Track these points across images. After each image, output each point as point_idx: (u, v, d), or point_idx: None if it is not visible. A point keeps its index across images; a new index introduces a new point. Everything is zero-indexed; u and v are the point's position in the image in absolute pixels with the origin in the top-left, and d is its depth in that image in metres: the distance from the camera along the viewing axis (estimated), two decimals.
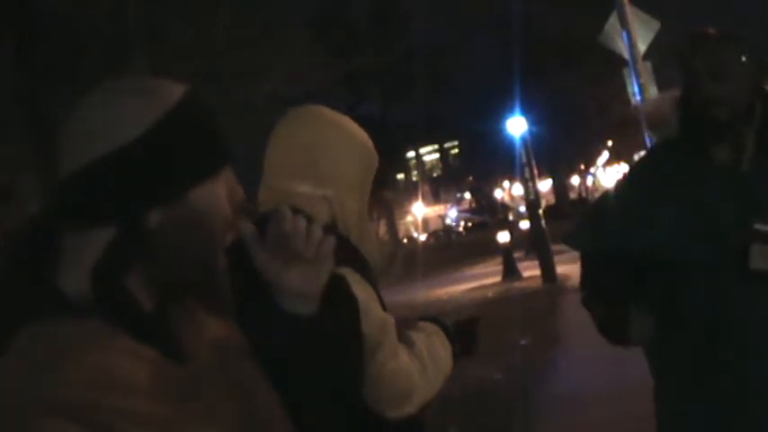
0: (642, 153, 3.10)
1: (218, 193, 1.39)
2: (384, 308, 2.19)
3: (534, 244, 24.19)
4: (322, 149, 2.25)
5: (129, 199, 1.31)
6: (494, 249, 27.39)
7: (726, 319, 2.73)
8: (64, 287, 1.30)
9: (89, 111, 1.35)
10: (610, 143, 66.17)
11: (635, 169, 3.12)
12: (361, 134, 2.33)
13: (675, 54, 2.82)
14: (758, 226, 2.64)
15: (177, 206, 1.34)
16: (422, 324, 2.45)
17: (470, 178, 68.75)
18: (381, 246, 2.37)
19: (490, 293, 21.24)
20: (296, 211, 2.20)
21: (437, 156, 77.19)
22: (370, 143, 2.34)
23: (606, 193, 3.19)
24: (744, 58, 2.75)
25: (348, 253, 2.13)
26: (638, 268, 2.84)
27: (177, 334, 1.37)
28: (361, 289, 2.09)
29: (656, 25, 12.94)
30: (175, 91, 1.38)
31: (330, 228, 2.15)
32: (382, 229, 2.45)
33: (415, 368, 2.23)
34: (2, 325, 1.27)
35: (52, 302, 1.27)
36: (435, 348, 2.37)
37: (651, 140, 3.07)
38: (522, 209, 35.78)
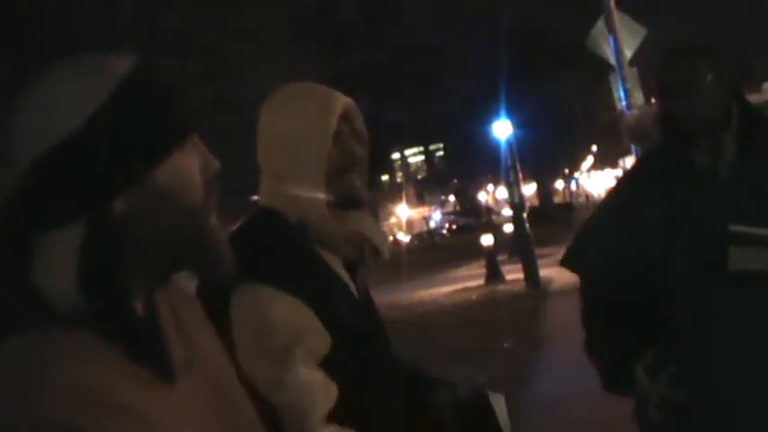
0: (627, 158, 3.15)
1: (185, 166, 1.30)
2: (344, 310, 2.18)
3: (518, 247, 24.23)
4: (276, 145, 2.24)
5: (87, 192, 1.21)
6: (477, 252, 27.39)
7: (710, 321, 2.76)
8: (46, 291, 1.21)
9: (33, 99, 1.25)
10: (594, 148, 66.41)
11: (623, 181, 3.16)
12: (311, 119, 2.21)
13: (650, 70, 2.87)
14: (734, 228, 2.68)
15: (142, 188, 1.24)
16: None
17: (455, 181, 68.72)
18: (351, 242, 2.27)
19: (474, 296, 21.26)
20: (269, 211, 2.23)
21: (422, 158, 77.17)
22: (322, 128, 2.21)
23: (598, 209, 3.21)
24: (714, 71, 2.78)
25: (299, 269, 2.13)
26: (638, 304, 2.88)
27: (167, 349, 1.30)
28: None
29: (642, 32, 13.00)
30: (121, 66, 1.28)
31: (300, 226, 2.18)
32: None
33: None
34: None
35: (37, 310, 1.19)
36: None
37: (636, 148, 3.10)
38: (506, 212, 35.80)
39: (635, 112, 2.95)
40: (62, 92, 1.24)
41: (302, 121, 2.21)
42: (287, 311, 2.07)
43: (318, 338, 2.10)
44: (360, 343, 2.20)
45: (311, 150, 2.20)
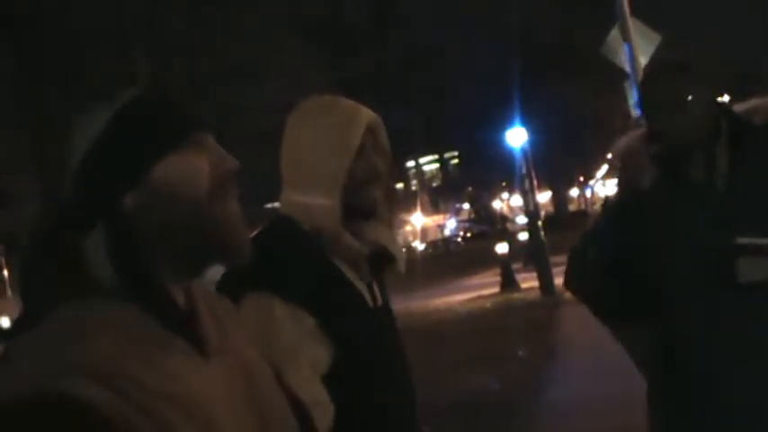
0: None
1: (188, 163, 1.45)
2: (355, 317, 2.18)
3: (533, 255, 24.19)
4: (296, 156, 2.28)
5: (99, 194, 1.42)
6: (492, 260, 27.37)
7: (717, 334, 2.75)
8: (96, 275, 1.40)
9: (71, 135, 1.48)
10: (609, 156, 66.29)
11: (619, 195, 3.14)
12: (334, 132, 2.26)
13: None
14: (741, 240, 2.68)
15: (145, 185, 1.42)
16: None
17: (469, 188, 68.72)
18: (364, 252, 2.27)
19: (488, 304, 21.24)
20: (285, 219, 2.24)
21: (437, 165, 77.21)
22: (343, 141, 2.26)
23: (597, 222, 3.19)
24: (695, 85, 2.77)
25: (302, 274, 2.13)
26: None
27: (202, 328, 1.47)
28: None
29: (656, 38, 12.96)
30: (131, 93, 1.50)
31: (314, 234, 2.19)
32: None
33: None
34: (39, 301, 1.38)
35: (86, 283, 1.38)
36: None
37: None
38: (521, 220, 35.75)
39: (621, 140, 2.91)
40: (82, 123, 1.47)
41: (325, 134, 2.24)
42: (287, 319, 2.07)
43: (319, 348, 2.10)
44: (369, 360, 2.17)
45: (331, 162, 2.22)
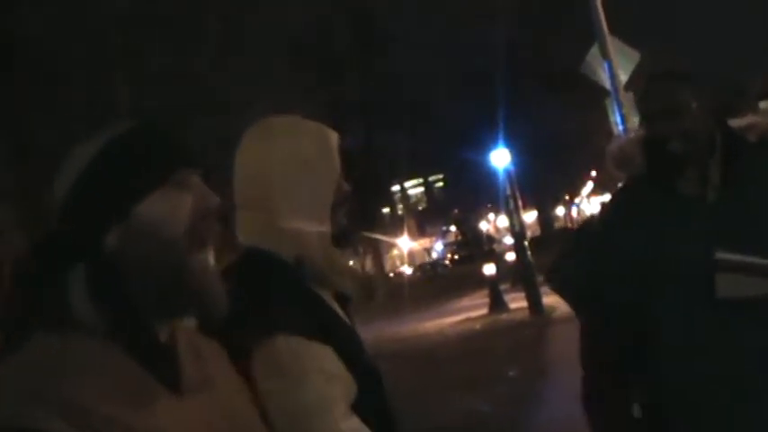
0: (620, 185, 3.15)
1: (169, 202, 1.46)
2: (355, 345, 2.08)
3: (520, 275, 24.19)
4: (269, 178, 2.10)
5: (81, 231, 1.42)
6: (480, 282, 27.36)
7: (696, 348, 2.75)
8: (76, 310, 1.40)
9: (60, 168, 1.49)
10: (594, 173, 66.45)
11: (608, 206, 3.15)
12: (314, 152, 2.13)
13: (634, 95, 2.88)
14: (720, 255, 2.68)
15: (128, 223, 1.43)
16: None
17: (455, 211, 68.74)
18: (356, 276, 2.18)
19: (477, 326, 21.22)
20: (260, 252, 2.06)
21: (422, 189, 77.26)
22: (327, 164, 2.15)
23: (582, 229, 3.22)
24: (696, 95, 2.78)
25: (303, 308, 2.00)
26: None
27: (180, 365, 1.46)
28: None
29: (636, 56, 13.03)
30: (119, 127, 1.51)
31: (298, 263, 2.05)
32: (368, 263, 2.39)
33: None
34: (15, 329, 1.39)
35: (66, 317, 1.39)
36: None
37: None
38: (508, 240, 35.78)
39: (618, 139, 2.94)
40: (71, 156, 1.48)
41: (302, 154, 2.11)
42: (319, 359, 1.94)
43: (349, 382, 1.99)
44: (371, 382, 2.08)
45: (317, 184, 2.11)
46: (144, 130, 1.51)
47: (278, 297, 1.98)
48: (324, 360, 1.94)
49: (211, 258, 1.49)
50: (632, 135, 3.00)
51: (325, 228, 2.11)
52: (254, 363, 1.89)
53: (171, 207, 1.45)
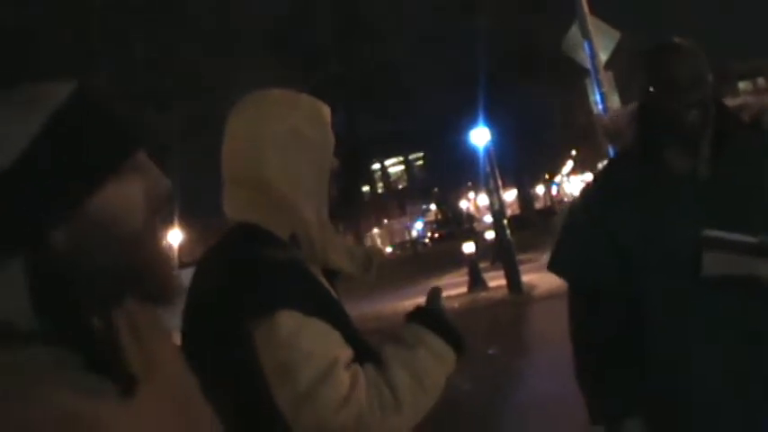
0: (605, 162, 3.14)
1: (122, 193, 1.27)
2: (347, 322, 2.04)
3: (500, 254, 24.26)
4: (263, 151, 2.01)
5: (21, 226, 1.21)
6: (460, 260, 27.40)
7: (685, 324, 2.77)
8: (7, 313, 1.21)
9: None
10: (574, 152, 66.61)
11: (597, 181, 3.14)
12: (309, 125, 2.05)
13: (643, 65, 2.83)
14: (707, 232, 2.68)
15: (78, 220, 1.23)
16: (405, 333, 2.17)
17: (435, 189, 68.74)
18: (354, 252, 2.14)
19: (457, 304, 21.25)
20: (252, 227, 2.01)
21: (402, 167, 77.19)
22: (324, 139, 2.08)
23: (573, 209, 3.21)
24: (706, 67, 2.78)
25: (301, 285, 1.96)
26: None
27: (124, 362, 1.29)
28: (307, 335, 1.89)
29: (616, 35, 13.06)
30: (56, 96, 1.26)
31: (293, 241, 2.00)
32: (349, 241, 2.38)
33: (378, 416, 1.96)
34: None
35: (5, 330, 1.21)
36: (419, 364, 2.10)
37: (614, 150, 3.11)
38: (488, 219, 35.85)
39: (612, 112, 2.96)
40: (14, 119, 1.23)
41: (298, 127, 2.03)
42: (320, 335, 1.92)
43: (349, 356, 1.97)
44: (369, 357, 2.05)
45: (314, 158, 2.04)
46: (92, 108, 1.28)
47: (276, 273, 1.93)
48: (326, 336, 1.93)
49: (163, 240, 1.35)
50: (627, 109, 3.00)
51: (323, 204, 2.06)
52: (253, 341, 1.87)
53: (126, 198, 1.27)
